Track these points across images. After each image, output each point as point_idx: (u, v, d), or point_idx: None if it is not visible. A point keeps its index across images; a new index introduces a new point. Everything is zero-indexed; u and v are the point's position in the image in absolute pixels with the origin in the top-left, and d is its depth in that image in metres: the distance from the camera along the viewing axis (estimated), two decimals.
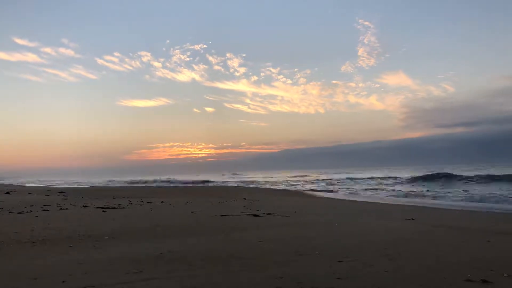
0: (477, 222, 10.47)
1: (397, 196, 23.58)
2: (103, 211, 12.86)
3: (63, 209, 13.75)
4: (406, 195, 23.85)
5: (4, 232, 8.41)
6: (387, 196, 23.71)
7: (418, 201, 19.97)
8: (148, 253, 6.30)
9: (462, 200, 19.33)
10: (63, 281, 4.61)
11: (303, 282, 4.40)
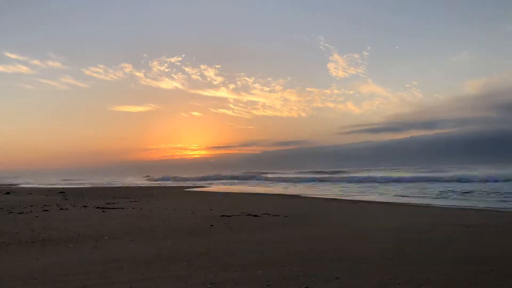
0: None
1: (393, 196, 23.66)
2: (103, 211, 12.85)
3: (63, 209, 13.75)
4: (401, 195, 23.96)
5: (4, 232, 8.41)
6: (381, 196, 23.71)
7: (413, 202, 19.97)
8: (148, 253, 6.30)
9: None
10: (63, 281, 4.61)
11: (304, 282, 4.41)
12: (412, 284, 4.29)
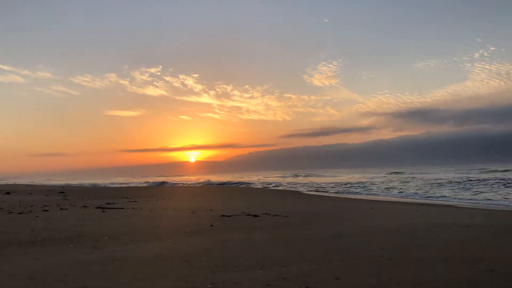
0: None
1: (386, 195, 23.80)
2: (103, 211, 12.84)
3: (63, 209, 13.73)
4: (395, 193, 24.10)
5: (4, 232, 8.40)
6: (380, 196, 23.76)
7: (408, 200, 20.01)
8: (148, 253, 6.30)
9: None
10: (63, 281, 4.61)
11: (304, 282, 4.41)
12: (412, 284, 4.29)
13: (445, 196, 21.51)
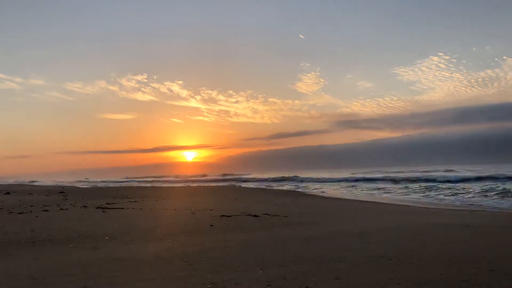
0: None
1: (383, 194, 23.75)
2: (103, 211, 12.84)
3: (63, 209, 13.73)
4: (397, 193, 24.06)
5: (4, 232, 8.40)
6: (380, 196, 23.77)
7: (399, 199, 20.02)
8: (148, 253, 6.30)
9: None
10: (63, 281, 4.61)
11: (304, 282, 4.41)
12: (412, 284, 4.29)
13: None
